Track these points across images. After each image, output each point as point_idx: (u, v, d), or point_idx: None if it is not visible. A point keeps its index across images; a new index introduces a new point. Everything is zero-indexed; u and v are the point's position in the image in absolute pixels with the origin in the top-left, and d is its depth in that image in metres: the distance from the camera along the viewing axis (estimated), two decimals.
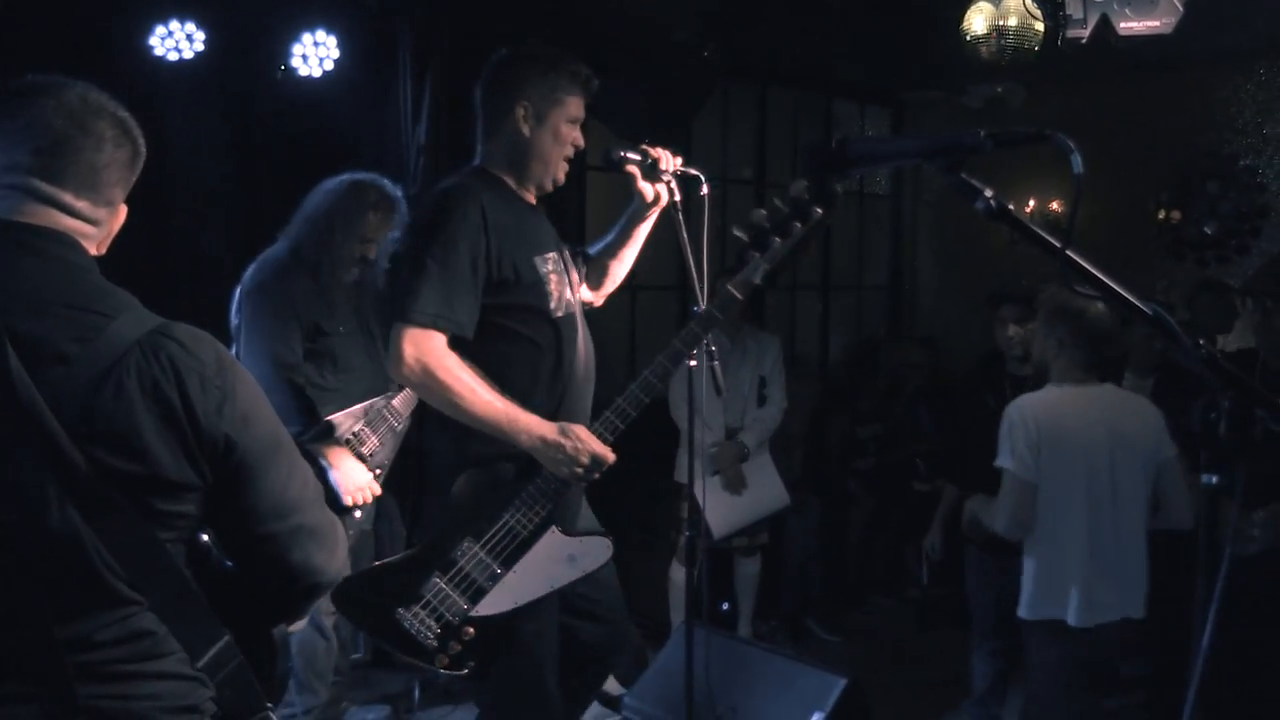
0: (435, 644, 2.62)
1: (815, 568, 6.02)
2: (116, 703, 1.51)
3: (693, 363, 2.79)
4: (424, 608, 2.62)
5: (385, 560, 2.85)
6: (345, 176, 3.72)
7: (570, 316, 2.83)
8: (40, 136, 1.56)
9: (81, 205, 1.59)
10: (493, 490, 2.67)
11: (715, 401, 5.11)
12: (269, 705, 1.65)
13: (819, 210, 2.56)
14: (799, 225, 2.57)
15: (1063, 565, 3.14)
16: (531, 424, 2.61)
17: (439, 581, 2.63)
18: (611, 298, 3.25)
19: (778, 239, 2.59)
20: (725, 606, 5.52)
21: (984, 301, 4.25)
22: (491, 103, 2.80)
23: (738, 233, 2.62)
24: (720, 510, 5.06)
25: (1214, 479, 1.37)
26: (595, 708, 3.94)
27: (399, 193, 3.83)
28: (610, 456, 2.67)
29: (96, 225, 1.63)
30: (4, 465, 1.43)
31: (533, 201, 2.86)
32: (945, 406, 5.92)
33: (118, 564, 1.49)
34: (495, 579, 2.64)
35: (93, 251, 1.62)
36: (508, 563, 2.65)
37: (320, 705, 3.80)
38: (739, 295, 2.67)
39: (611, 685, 4.14)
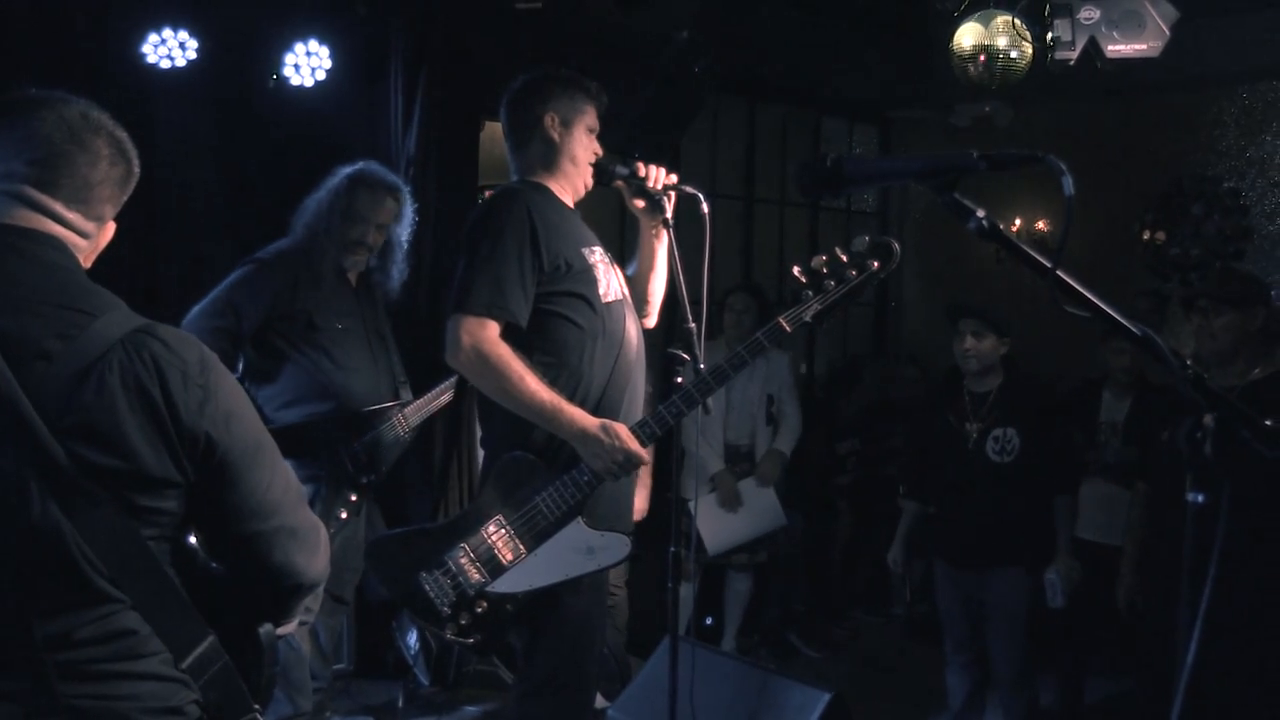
0: (448, 611, 2.73)
1: (798, 583, 6.03)
2: (97, 702, 1.50)
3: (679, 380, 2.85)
4: (445, 574, 2.74)
5: (422, 525, 3.03)
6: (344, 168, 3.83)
7: (619, 303, 2.94)
8: (38, 148, 1.58)
9: (72, 217, 1.61)
10: (530, 474, 2.77)
11: (716, 420, 5.13)
12: (256, 707, 1.65)
13: (875, 264, 2.77)
14: (854, 274, 2.77)
15: None
16: (575, 416, 2.71)
17: (464, 552, 2.74)
18: None
19: (832, 283, 2.77)
20: (709, 621, 5.53)
21: (945, 313, 4.08)
22: (520, 118, 2.95)
23: (797, 273, 2.80)
24: (717, 527, 5.07)
25: (1200, 498, 1.39)
26: None
27: (396, 178, 3.90)
28: (645, 457, 2.77)
29: (85, 238, 1.64)
30: None
31: (571, 205, 2.99)
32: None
33: (99, 560, 1.49)
34: (516, 559, 2.74)
35: None
36: (531, 545, 2.75)
37: (303, 716, 3.78)
38: (788, 328, 2.78)
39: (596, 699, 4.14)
